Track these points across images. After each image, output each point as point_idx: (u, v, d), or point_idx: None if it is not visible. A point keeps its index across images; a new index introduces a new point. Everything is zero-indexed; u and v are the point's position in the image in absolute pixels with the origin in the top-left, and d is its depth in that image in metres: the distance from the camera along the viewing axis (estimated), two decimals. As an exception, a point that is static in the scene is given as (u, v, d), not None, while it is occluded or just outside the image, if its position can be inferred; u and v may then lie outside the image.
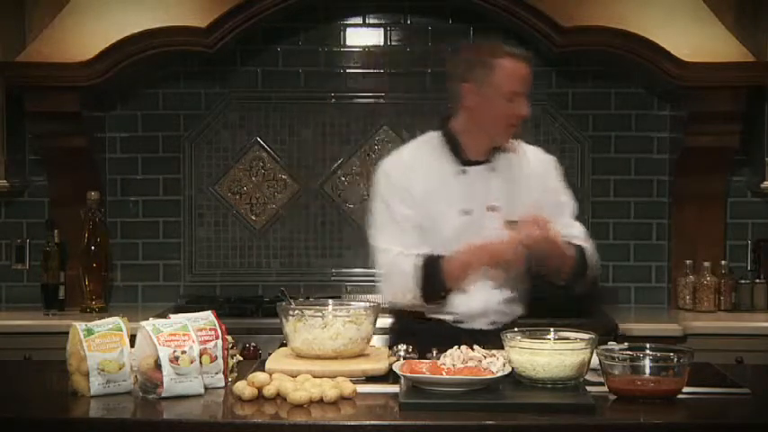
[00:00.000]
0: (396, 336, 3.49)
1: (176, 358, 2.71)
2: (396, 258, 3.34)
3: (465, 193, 3.38)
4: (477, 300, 3.38)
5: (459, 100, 3.40)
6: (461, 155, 3.41)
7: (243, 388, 2.71)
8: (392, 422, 2.56)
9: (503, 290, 3.43)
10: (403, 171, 3.42)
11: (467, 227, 3.35)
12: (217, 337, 2.85)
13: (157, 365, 2.71)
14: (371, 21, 5.03)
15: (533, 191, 3.42)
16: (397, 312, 3.56)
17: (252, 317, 4.53)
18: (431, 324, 3.40)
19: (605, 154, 5.00)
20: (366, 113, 5.04)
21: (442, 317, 3.41)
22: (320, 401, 2.66)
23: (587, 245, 3.45)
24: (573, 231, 3.44)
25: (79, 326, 2.79)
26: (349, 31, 5.03)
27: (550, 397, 2.69)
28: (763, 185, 4.65)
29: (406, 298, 3.35)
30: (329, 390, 2.67)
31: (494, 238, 3.27)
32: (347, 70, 5.03)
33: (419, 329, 3.37)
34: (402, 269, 3.32)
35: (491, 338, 3.20)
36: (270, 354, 3.18)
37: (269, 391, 2.70)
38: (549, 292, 3.46)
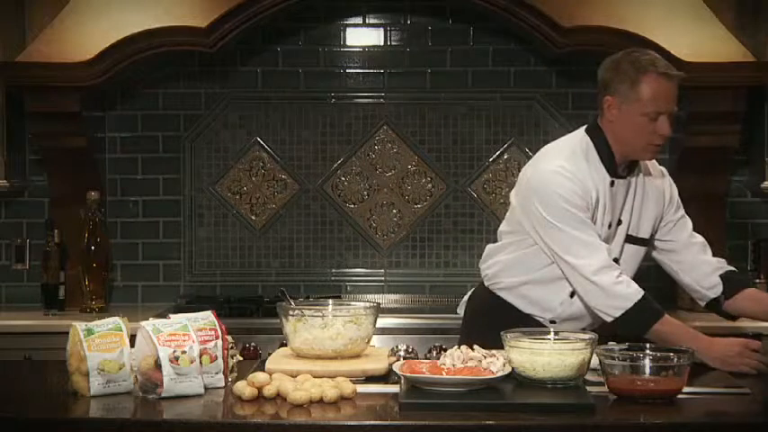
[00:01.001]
0: (475, 322, 3.49)
1: (176, 358, 2.71)
2: (605, 266, 3.19)
3: (611, 205, 3.32)
4: (578, 305, 3.33)
5: (602, 112, 3.32)
6: (613, 167, 3.31)
7: (243, 388, 2.71)
8: (392, 422, 2.56)
9: None
10: (575, 174, 3.25)
11: (605, 239, 3.30)
12: (217, 337, 2.85)
13: (157, 365, 2.71)
14: (371, 21, 5.03)
15: (657, 206, 3.41)
16: (478, 303, 3.54)
17: (252, 317, 4.53)
18: (520, 317, 3.35)
19: (605, 154, 5.00)
20: (366, 113, 5.04)
21: (535, 313, 3.39)
22: (320, 401, 2.66)
23: (727, 265, 3.51)
24: (706, 246, 3.49)
25: (79, 326, 2.79)
26: (349, 31, 5.03)
27: (550, 397, 2.69)
28: (763, 185, 4.65)
29: (605, 314, 3.20)
30: (329, 390, 2.67)
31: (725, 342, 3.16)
32: (347, 70, 5.03)
33: (508, 322, 3.17)
34: (625, 293, 3.18)
35: None
36: (270, 354, 3.18)
37: (269, 391, 2.70)
38: None
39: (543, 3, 4.54)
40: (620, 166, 3.33)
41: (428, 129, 5.04)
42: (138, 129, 5.02)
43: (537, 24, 4.54)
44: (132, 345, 2.81)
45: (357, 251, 5.04)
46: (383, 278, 5.04)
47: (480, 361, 2.78)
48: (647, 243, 3.44)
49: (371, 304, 3.11)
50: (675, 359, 2.72)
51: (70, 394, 2.77)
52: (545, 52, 4.79)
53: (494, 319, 3.37)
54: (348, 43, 5.03)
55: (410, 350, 3.07)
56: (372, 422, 2.56)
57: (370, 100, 5.04)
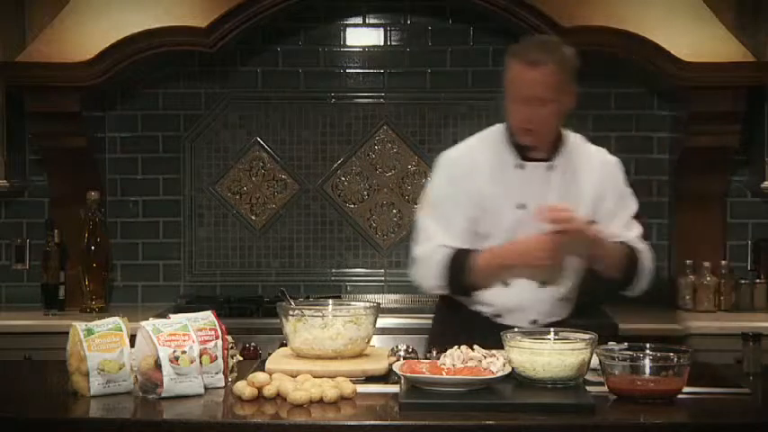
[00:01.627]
0: (436, 324, 3.56)
1: (176, 358, 2.71)
2: (434, 248, 3.34)
3: (521, 187, 3.35)
4: (515, 294, 3.35)
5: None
6: (521, 150, 3.37)
7: (243, 388, 2.71)
8: (392, 422, 2.56)
9: (548, 288, 3.38)
10: (464, 162, 3.40)
11: (522, 221, 3.32)
12: (217, 337, 2.85)
13: (157, 365, 2.71)
14: (371, 21, 5.03)
15: (590, 190, 3.40)
16: (437, 304, 3.60)
17: (252, 317, 4.53)
18: (469, 315, 3.40)
19: (605, 154, 5.00)
20: (366, 113, 5.04)
21: (480, 309, 3.40)
22: (320, 401, 2.66)
23: (641, 246, 3.42)
24: (629, 234, 3.42)
25: (79, 326, 2.79)
26: (349, 31, 5.03)
27: (550, 397, 2.69)
28: (763, 185, 4.65)
29: (432, 287, 3.37)
30: (329, 390, 2.67)
31: (524, 236, 3.27)
32: (347, 70, 5.03)
33: (457, 320, 3.38)
34: (435, 259, 3.33)
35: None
36: (270, 354, 3.18)
37: (269, 391, 2.70)
38: (602, 296, 3.42)
39: (543, 3, 4.54)
40: (532, 149, 3.36)
41: (428, 129, 5.04)
42: (138, 129, 5.02)
43: (537, 24, 4.54)
44: (132, 345, 2.81)
45: (357, 251, 5.04)
46: (383, 278, 5.03)
47: (480, 361, 2.78)
48: None
49: (371, 304, 3.11)
50: (675, 359, 2.72)
51: (70, 394, 2.77)
52: (545, 52, 4.79)
53: (447, 319, 3.47)
54: (348, 43, 5.03)
55: (410, 350, 3.05)
56: (372, 422, 2.56)
57: (370, 100, 5.04)
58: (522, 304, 3.36)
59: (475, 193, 3.35)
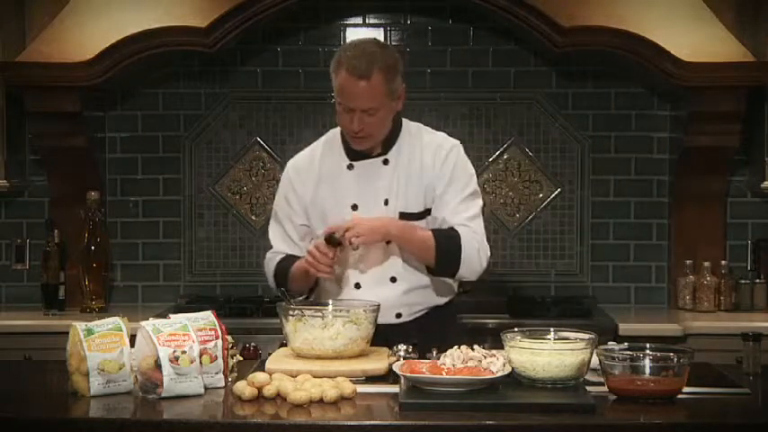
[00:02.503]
0: None
1: (176, 358, 2.71)
2: (270, 254, 3.51)
3: (352, 188, 3.38)
4: (372, 294, 3.31)
5: None
6: (352, 150, 3.40)
7: (243, 388, 2.71)
8: (392, 422, 2.56)
9: (399, 282, 3.37)
10: (297, 169, 3.48)
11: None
12: (217, 337, 2.85)
13: (157, 365, 2.71)
14: (371, 21, 5.03)
15: (424, 180, 3.37)
16: None
17: (252, 317, 4.53)
18: None
19: (605, 154, 5.00)
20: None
21: None
22: (320, 401, 2.66)
23: (463, 230, 3.33)
24: (454, 219, 3.34)
25: (79, 326, 2.79)
26: (349, 31, 5.03)
27: (550, 397, 2.69)
28: (763, 185, 4.65)
29: (275, 290, 3.44)
30: (329, 390, 2.67)
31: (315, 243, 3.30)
32: (347, 70, 5.02)
33: None
34: (269, 266, 3.48)
35: (405, 331, 3.27)
36: (270, 354, 3.18)
37: (269, 391, 2.70)
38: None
39: (543, 3, 4.54)
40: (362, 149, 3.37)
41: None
42: (138, 129, 5.02)
43: (537, 24, 4.54)
44: (132, 345, 2.81)
45: (357, 251, 5.03)
46: (383, 278, 5.03)
47: (480, 361, 2.78)
48: (420, 216, 3.37)
49: (371, 304, 3.11)
50: (675, 359, 2.72)
51: (70, 394, 2.77)
52: (545, 52, 4.79)
53: None
54: (348, 43, 5.02)
55: (410, 350, 3.05)
56: (372, 422, 2.56)
57: (370, 100, 5.03)
58: (380, 303, 3.24)
59: (309, 198, 3.42)
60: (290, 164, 3.54)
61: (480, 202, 3.44)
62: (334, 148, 3.44)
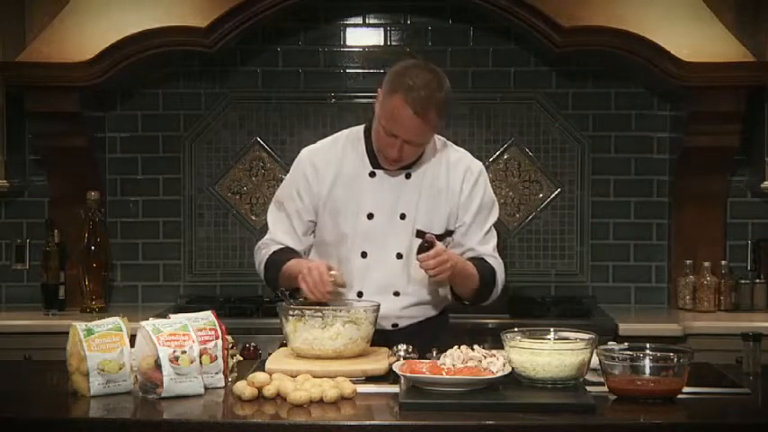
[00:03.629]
0: None
1: (176, 358, 2.71)
2: (267, 241, 3.41)
3: (371, 196, 3.32)
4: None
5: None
6: (376, 157, 3.33)
7: (243, 388, 2.71)
8: (392, 422, 2.56)
9: (401, 297, 3.35)
10: (315, 165, 3.36)
11: (370, 231, 3.31)
12: (217, 337, 2.85)
13: (157, 365, 2.71)
14: (371, 21, 5.03)
15: (448, 203, 3.34)
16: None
17: (252, 317, 4.53)
18: None
19: (605, 154, 5.00)
20: (366, 113, 5.01)
21: None
22: (320, 401, 2.66)
23: (495, 263, 3.37)
24: (483, 249, 3.35)
25: (79, 326, 2.79)
26: (349, 31, 5.03)
27: (550, 397, 2.69)
28: (763, 185, 4.65)
29: (260, 275, 3.40)
30: (329, 390, 2.67)
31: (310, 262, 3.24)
32: (347, 70, 5.03)
33: None
34: (263, 252, 3.39)
35: (398, 337, 3.24)
36: (270, 354, 3.18)
37: (269, 391, 2.70)
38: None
39: (543, 3, 4.54)
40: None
41: (428, 129, 5.03)
42: (138, 129, 5.02)
43: (537, 24, 4.54)
44: (132, 345, 2.81)
45: (357, 251, 5.03)
46: (383, 278, 5.03)
47: (480, 361, 2.78)
48: (442, 237, 3.33)
49: (371, 304, 3.11)
50: (675, 359, 2.72)
51: (70, 394, 2.77)
52: (545, 52, 4.79)
53: None
54: (348, 43, 5.03)
55: (410, 350, 3.06)
56: (372, 422, 2.56)
57: (370, 100, 5.00)
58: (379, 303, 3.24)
59: (324, 197, 3.33)
60: (307, 156, 3.40)
61: (496, 234, 3.46)
62: (357, 150, 3.36)
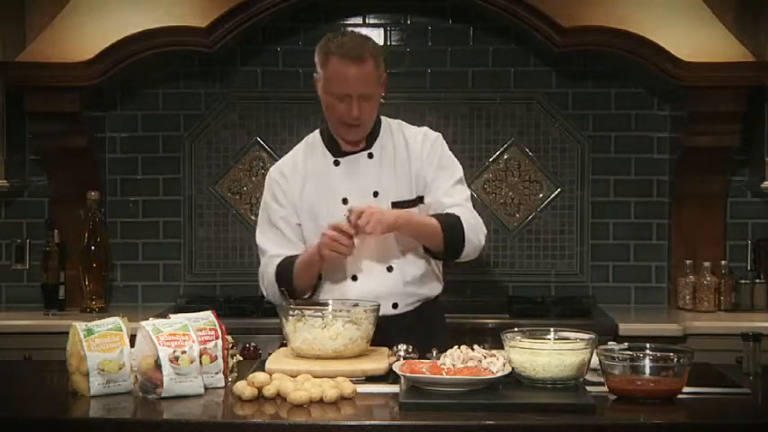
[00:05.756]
0: None
1: (176, 358, 2.71)
2: (267, 260, 3.44)
3: (341, 183, 3.40)
4: (364, 286, 3.36)
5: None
6: (336, 148, 3.43)
7: (243, 388, 2.71)
8: (392, 422, 2.56)
9: (395, 272, 3.39)
10: (282, 172, 3.48)
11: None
12: (217, 337, 2.85)
13: (157, 365, 2.71)
14: (371, 21, 5.03)
15: (412, 169, 3.42)
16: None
17: (252, 317, 4.53)
18: None
19: (605, 154, 5.00)
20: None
21: None
22: (320, 401, 2.66)
23: (461, 211, 3.36)
24: (449, 200, 3.38)
25: (79, 326, 2.79)
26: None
27: (550, 397, 2.69)
28: (763, 185, 4.65)
29: (276, 297, 3.37)
30: (329, 390, 2.67)
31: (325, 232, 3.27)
32: (347, 70, 5.02)
33: None
34: (268, 271, 3.41)
35: (400, 323, 3.28)
36: (270, 354, 3.18)
37: (269, 391, 2.70)
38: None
39: (543, 3, 4.54)
40: (347, 145, 3.40)
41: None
42: (138, 129, 5.02)
43: (537, 24, 4.54)
44: (132, 345, 2.81)
45: (357, 251, 5.03)
46: (383, 278, 5.03)
47: (480, 361, 2.78)
48: (413, 203, 3.41)
49: (371, 304, 3.10)
50: (675, 359, 2.72)
51: (70, 394, 2.77)
52: (545, 52, 4.79)
53: None
54: (348, 43, 5.02)
55: (410, 350, 3.06)
56: (372, 422, 2.56)
57: (370, 100, 5.03)
58: (375, 294, 3.31)
59: (297, 196, 3.42)
60: (273, 170, 3.54)
61: (468, 190, 3.48)
62: (316, 149, 3.48)
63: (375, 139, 3.45)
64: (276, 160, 4.97)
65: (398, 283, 3.40)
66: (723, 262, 4.80)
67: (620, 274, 5.01)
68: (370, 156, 3.43)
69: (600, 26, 4.55)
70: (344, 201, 3.39)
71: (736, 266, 4.87)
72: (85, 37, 4.60)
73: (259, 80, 5.04)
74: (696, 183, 4.82)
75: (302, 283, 3.37)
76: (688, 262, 4.78)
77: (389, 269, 3.40)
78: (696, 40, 4.57)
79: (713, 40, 4.60)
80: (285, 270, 3.38)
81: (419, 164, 3.42)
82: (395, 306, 3.39)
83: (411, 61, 5.01)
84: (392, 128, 3.50)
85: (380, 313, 3.14)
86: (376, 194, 3.40)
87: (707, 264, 4.74)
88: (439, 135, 3.51)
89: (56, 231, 4.81)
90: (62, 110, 4.61)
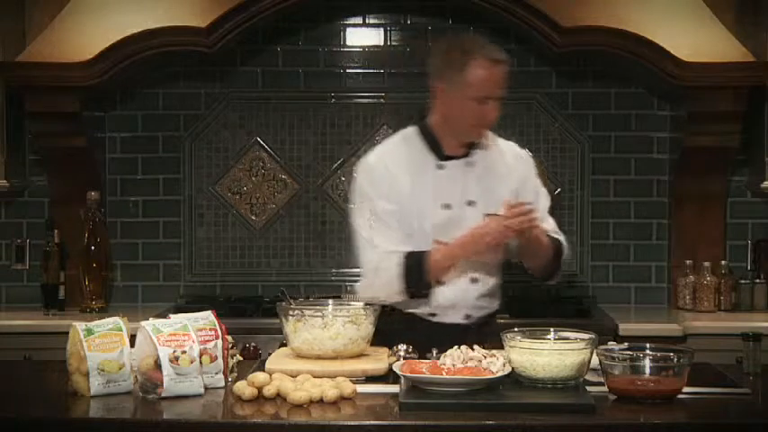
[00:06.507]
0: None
1: (176, 358, 2.71)
2: (382, 255, 3.33)
3: (444, 187, 3.38)
4: (450, 293, 3.38)
5: (434, 98, 3.42)
6: (439, 150, 3.41)
7: (243, 388, 2.71)
8: (392, 422, 2.56)
9: (478, 283, 3.42)
10: (385, 167, 3.40)
11: (447, 221, 3.36)
12: (217, 337, 2.85)
13: (157, 365, 2.71)
14: (371, 21, 5.03)
15: (510, 185, 3.43)
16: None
17: (252, 317, 4.53)
18: (404, 318, 3.39)
19: (605, 154, 5.00)
20: (366, 113, 5.04)
21: (414, 310, 3.40)
22: (320, 401, 2.66)
23: (562, 238, 3.50)
24: (546, 226, 3.45)
25: (79, 326, 2.79)
26: (349, 31, 5.03)
27: (550, 397, 2.70)
28: (763, 185, 4.65)
29: (390, 295, 3.32)
30: (329, 390, 2.68)
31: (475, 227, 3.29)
32: (347, 70, 5.03)
33: (392, 324, 3.34)
34: (387, 266, 3.31)
35: (466, 333, 3.29)
36: (270, 354, 3.19)
37: (269, 391, 2.70)
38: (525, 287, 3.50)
39: (543, 3, 4.54)
40: (452, 149, 3.39)
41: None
42: (138, 129, 5.02)
43: (537, 24, 4.54)
44: (132, 345, 2.81)
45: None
46: (383, 278, 5.03)
47: (480, 361, 2.78)
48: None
49: (371, 304, 3.10)
50: (675, 359, 2.72)
51: (70, 394, 2.77)
52: (545, 52, 4.79)
53: (382, 329, 3.32)
54: (348, 43, 5.03)
55: (410, 350, 3.06)
56: (372, 422, 2.56)
57: (370, 100, 5.04)
58: (455, 302, 3.38)
59: (397, 194, 3.37)
60: (375, 161, 3.43)
61: None
62: (416, 148, 3.42)
63: (475, 149, 3.42)
64: (276, 160, 5.04)
65: (478, 296, 3.42)
66: (723, 262, 4.79)
67: (621, 275, 5.01)
68: (469, 164, 3.41)
69: (600, 26, 4.55)
70: (447, 206, 3.36)
71: (736, 266, 4.87)
72: (85, 37, 4.60)
73: (259, 80, 5.04)
74: (696, 183, 4.82)
75: (439, 281, 3.33)
76: (688, 262, 4.78)
77: (474, 280, 3.41)
78: (696, 40, 4.57)
79: (713, 40, 4.60)
80: (415, 265, 3.29)
81: (516, 183, 3.44)
82: (467, 317, 3.40)
83: (411, 61, 5.01)
84: (488, 137, 3.47)
85: (450, 321, 3.21)
86: (472, 204, 3.38)
87: (707, 264, 4.73)
88: (529, 154, 3.57)
89: (56, 231, 4.81)
90: (62, 110, 4.60)
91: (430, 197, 3.37)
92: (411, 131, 3.48)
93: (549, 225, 3.48)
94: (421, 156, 3.41)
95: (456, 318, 3.37)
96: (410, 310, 3.41)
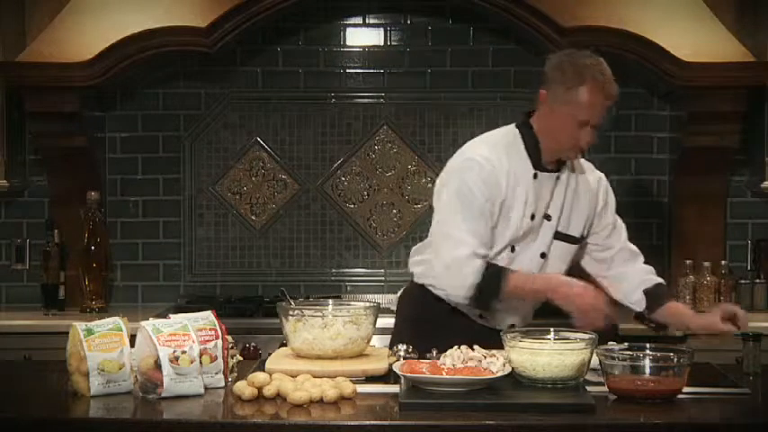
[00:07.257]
0: (406, 321, 3.50)
1: (176, 358, 2.71)
2: (467, 257, 3.22)
3: (534, 198, 3.34)
4: (513, 306, 3.36)
5: (537, 103, 3.35)
6: (538, 159, 3.35)
7: (243, 388, 2.71)
8: (392, 422, 2.56)
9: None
10: (492, 168, 3.29)
11: (528, 231, 3.34)
12: (217, 337, 2.85)
13: (157, 365, 2.71)
14: (371, 21, 5.03)
15: (588, 208, 3.44)
16: (403, 299, 3.58)
17: (252, 317, 4.53)
18: (446, 313, 3.37)
19: (605, 154, 4.99)
20: (366, 113, 5.04)
21: (466, 310, 3.38)
22: (320, 401, 2.66)
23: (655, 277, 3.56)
24: (632, 247, 3.54)
25: (79, 326, 2.79)
26: (349, 31, 5.03)
27: (550, 397, 2.70)
28: (763, 185, 4.65)
29: (456, 296, 3.28)
30: (329, 390, 2.68)
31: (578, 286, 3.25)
32: (347, 70, 5.03)
33: (431, 317, 3.35)
34: (467, 271, 3.22)
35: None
36: (270, 354, 3.18)
37: (269, 391, 2.70)
38: None
39: (543, 3, 4.54)
40: (547, 160, 3.36)
41: (428, 129, 5.04)
42: (138, 129, 5.02)
43: (537, 24, 4.54)
44: (132, 345, 2.81)
45: (357, 251, 5.04)
46: (383, 278, 5.03)
47: (480, 361, 2.78)
48: (577, 242, 3.43)
49: (371, 304, 3.11)
50: (675, 359, 2.72)
51: (70, 394, 2.77)
52: (545, 52, 4.78)
53: (424, 315, 3.39)
54: (348, 43, 5.03)
55: (410, 350, 3.06)
56: (372, 422, 2.56)
57: (370, 100, 5.04)
58: (510, 309, 3.37)
59: (497, 198, 3.29)
60: (481, 158, 3.31)
61: None
62: (517, 152, 3.35)
63: (564, 165, 3.40)
64: (276, 160, 5.04)
65: (528, 307, 3.43)
66: (723, 262, 4.79)
67: (620, 274, 5.00)
68: (558, 178, 3.38)
69: (600, 26, 4.55)
70: (532, 217, 3.32)
71: (736, 266, 4.87)
72: (85, 37, 4.60)
73: (259, 80, 5.04)
74: (696, 183, 4.82)
75: (508, 301, 3.30)
76: (688, 262, 4.77)
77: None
78: (696, 40, 4.57)
79: (713, 40, 4.60)
80: (494, 278, 3.23)
81: (596, 208, 3.46)
82: (512, 326, 3.37)
83: (411, 61, 5.01)
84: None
85: (495, 326, 3.22)
86: (548, 218, 3.37)
87: (707, 264, 4.73)
88: (604, 176, 3.55)
89: (56, 231, 4.81)
90: (62, 110, 4.61)
91: (522, 206, 3.32)
92: (513, 133, 3.40)
93: (633, 247, 3.55)
94: (521, 162, 3.34)
95: (502, 323, 3.34)
96: (460, 307, 3.37)
